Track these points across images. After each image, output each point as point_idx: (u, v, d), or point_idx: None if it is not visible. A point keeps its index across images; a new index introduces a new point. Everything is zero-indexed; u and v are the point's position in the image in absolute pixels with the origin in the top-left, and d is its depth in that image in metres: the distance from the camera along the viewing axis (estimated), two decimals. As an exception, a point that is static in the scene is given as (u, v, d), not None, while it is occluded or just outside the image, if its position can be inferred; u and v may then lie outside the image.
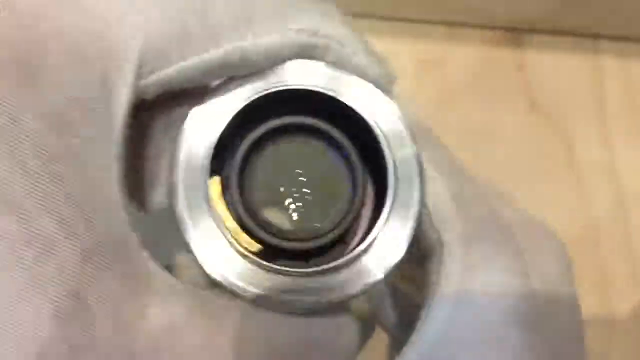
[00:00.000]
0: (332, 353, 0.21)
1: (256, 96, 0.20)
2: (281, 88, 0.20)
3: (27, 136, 0.17)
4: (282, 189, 0.21)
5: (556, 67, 0.46)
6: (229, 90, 0.21)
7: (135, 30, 0.18)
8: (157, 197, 0.23)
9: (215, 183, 0.20)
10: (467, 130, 0.44)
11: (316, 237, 0.21)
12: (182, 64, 0.19)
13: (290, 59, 0.21)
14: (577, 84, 0.46)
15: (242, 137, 0.21)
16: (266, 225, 0.21)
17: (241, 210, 0.20)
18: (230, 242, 0.20)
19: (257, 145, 0.21)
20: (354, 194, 0.21)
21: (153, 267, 0.19)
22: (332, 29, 0.21)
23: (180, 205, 0.20)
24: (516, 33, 0.47)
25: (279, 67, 0.21)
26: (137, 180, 0.22)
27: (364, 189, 0.21)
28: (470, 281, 0.20)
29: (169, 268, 0.20)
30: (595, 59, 0.47)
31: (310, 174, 0.22)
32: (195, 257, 0.20)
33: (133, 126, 0.19)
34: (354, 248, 0.20)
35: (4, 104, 0.16)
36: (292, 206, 0.21)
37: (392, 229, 0.20)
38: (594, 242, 0.44)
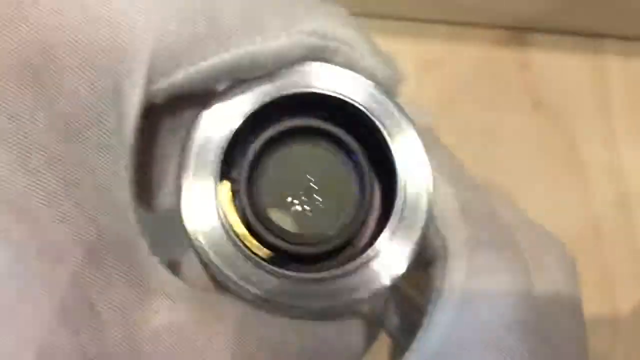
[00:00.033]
0: (338, 357, 0.21)
1: (267, 99, 0.20)
2: (291, 92, 0.20)
3: (37, 141, 0.16)
4: (290, 193, 0.21)
5: (559, 67, 0.46)
6: (238, 93, 0.21)
7: (146, 35, 0.18)
8: (164, 198, 0.22)
9: (224, 187, 0.20)
10: (469, 130, 0.44)
11: (324, 242, 0.21)
12: (192, 68, 0.19)
13: (299, 61, 0.20)
14: (580, 83, 0.46)
15: (252, 141, 0.21)
16: (275, 230, 0.21)
17: (250, 214, 0.20)
18: (239, 247, 0.20)
19: (267, 149, 0.21)
20: (362, 198, 0.21)
21: (162, 272, 0.19)
22: (341, 30, 0.21)
23: (188, 208, 0.20)
24: (518, 32, 0.47)
25: (288, 69, 0.21)
26: (144, 181, 0.22)
27: (372, 193, 0.21)
28: (473, 287, 0.20)
29: (174, 267, 0.20)
30: (599, 59, 0.47)
31: (319, 178, 0.21)
32: (202, 259, 0.20)
33: (141, 128, 0.19)
34: (363, 252, 0.20)
35: (10, 106, 0.16)
36: (301, 210, 0.21)
37: (400, 234, 0.20)
38: (597, 242, 0.44)
